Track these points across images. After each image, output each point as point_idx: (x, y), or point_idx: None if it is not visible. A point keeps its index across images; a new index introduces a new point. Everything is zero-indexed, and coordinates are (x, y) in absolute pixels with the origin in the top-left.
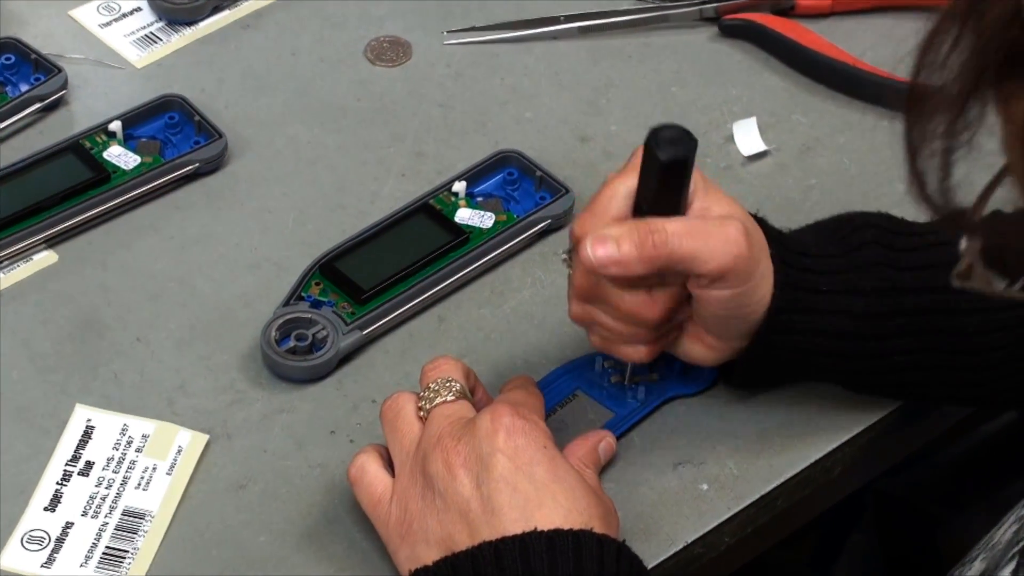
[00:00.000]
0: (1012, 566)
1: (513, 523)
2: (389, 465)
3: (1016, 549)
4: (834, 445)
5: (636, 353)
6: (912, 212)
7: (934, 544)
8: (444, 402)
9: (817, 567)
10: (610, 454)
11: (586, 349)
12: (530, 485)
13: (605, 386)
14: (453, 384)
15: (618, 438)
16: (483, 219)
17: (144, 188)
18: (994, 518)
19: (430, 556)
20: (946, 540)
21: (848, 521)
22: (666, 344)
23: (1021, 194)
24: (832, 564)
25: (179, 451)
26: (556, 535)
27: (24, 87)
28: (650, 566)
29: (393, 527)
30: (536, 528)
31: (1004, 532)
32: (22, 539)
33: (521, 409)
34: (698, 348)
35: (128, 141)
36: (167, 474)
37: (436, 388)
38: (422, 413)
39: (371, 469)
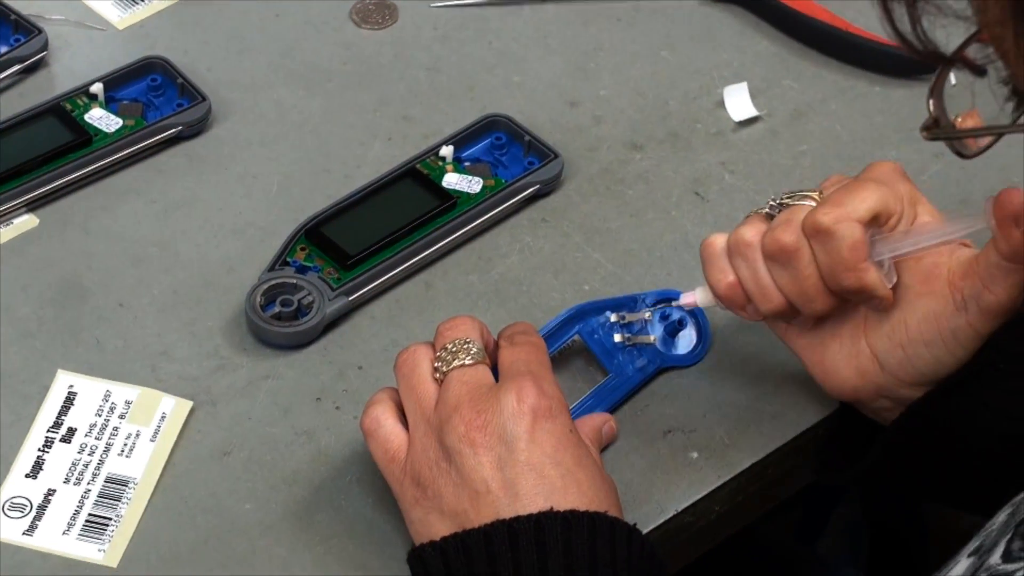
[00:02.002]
0: (1008, 536)
1: (535, 508)
2: (403, 413)
3: (1016, 524)
4: (825, 414)
5: (817, 304)
6: (910, 174)
7: (919, 518)
8: (462, 366)
9: (802, 541)
10: (611, 438)
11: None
12: (556, 472)
13: (607, 343)
14: (471, 346)
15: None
16: (471, 184)
17: (126, 151)
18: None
19: (441, 528)
20: (931, 513)
21: (833, 495)
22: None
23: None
24: (817, 538)
25: (163, 417)
26: (572, 516)
27: (4, 48)
28: None
29: (408, 487)
30: (552, 508)
31: (998, 516)
32: (3, 506)
33: (545, 386)
34: (846, 365)
35: (110, 104)
36: (151, 441)
37: (454, 350)
38: (438, 375)
39: (387, 423)
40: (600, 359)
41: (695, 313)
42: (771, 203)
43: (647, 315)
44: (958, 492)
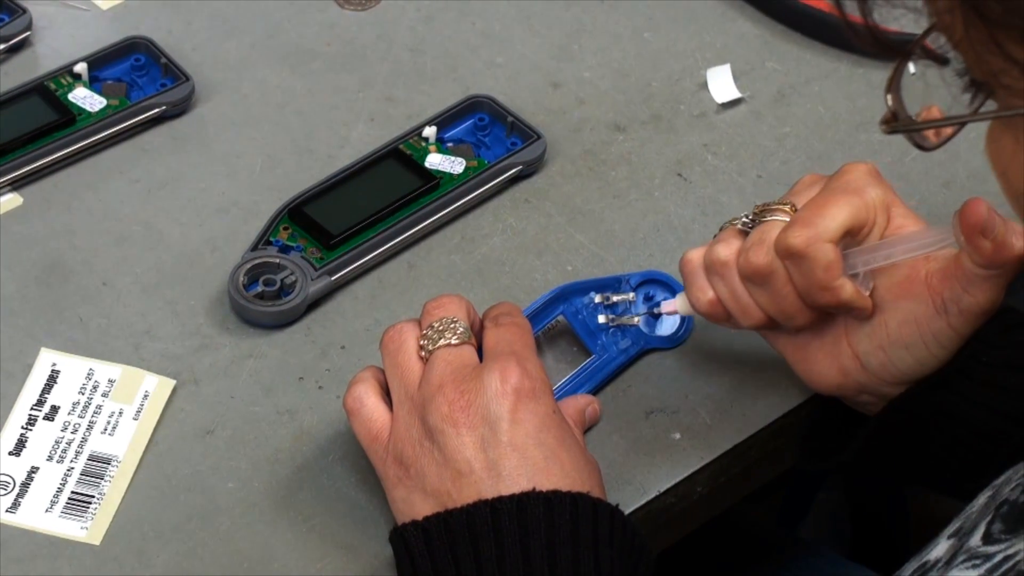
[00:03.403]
0: (997, 525)
1: (518, 488)
2: (386, 392)
3: (995, 507)
4: (807, 396)
5: (797, 320)
6: (888, 161)
7: (902, 501)
8: (448, 345)
9: (785, 525)
10: (595, 419)
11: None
12: (539, 452)
13: (591, 324)
14: (457, 326)
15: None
16: (453, 165)
17: (110, 131)
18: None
19: (423, 508)
20: (913, 497)
21: (816, 479)
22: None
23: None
24: (800, 522)
25: (146, 396)
26: (554, 496)
27: None
28: None
29: (390, 467)
30: (535, 488)
31: (977, 499)
32: None
33: (529, 366)
34: (828, 365)
35: (94, 83)
36: (133, 419)
37: (440, 328)
38: (423, 353)
39: (369, 402)
40: (583, 340)
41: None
42: (744, 218)
43: (631, 296)
44: (938, 478)
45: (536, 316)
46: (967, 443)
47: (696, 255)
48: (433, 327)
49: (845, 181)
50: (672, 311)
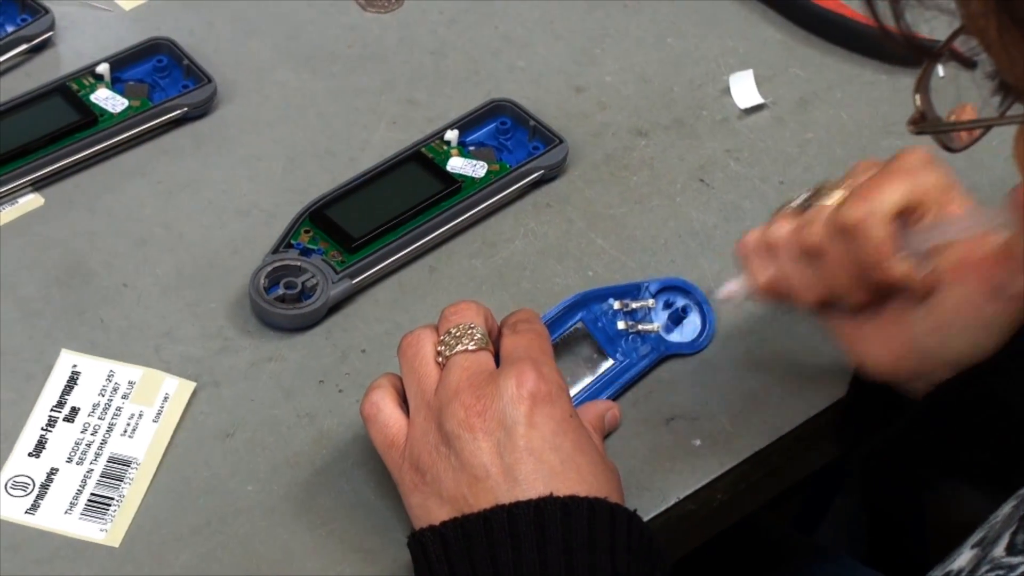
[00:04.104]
0: (1012, 528)
1: (535, 493)
2: (403, 398)
3: (1018, 514)
4: (828, 402)
5: (852, 298)
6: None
7: (919, 507)
8: (465, 351)
9: (802, 530)
10: (614, 425)
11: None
12: (556, 457)
13: (611, 330)
14: (475, 332)
15: (616, 393)
16: (475, 168)
17: (132, 132)
18: (979, 482)
19: (440, 513)
20: (931, 503)
21: (833, 484)
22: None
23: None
24: (817, 527)
25: (166, 398)
26: (571, 502)
27: (10, 28)
28: None
29: (407, 473)
30: (552, 493)
31: (1003, 508)
32: (6, 485)
33: (545, 371)
34: (882, 349)
35: (116, 84)
36: (153, 421)
37: (457, 335)
38: (440, 359)
39: (386, 408)
40: (603, 346)
41: (699, 301)
42: (800, 197)
43: (650, 303)
44: (978, 468)
45: (555, 323)
46: (1013, 432)
47: (753, 236)
48: (451, 333)
49: (901, 163)
50: (730, 294)
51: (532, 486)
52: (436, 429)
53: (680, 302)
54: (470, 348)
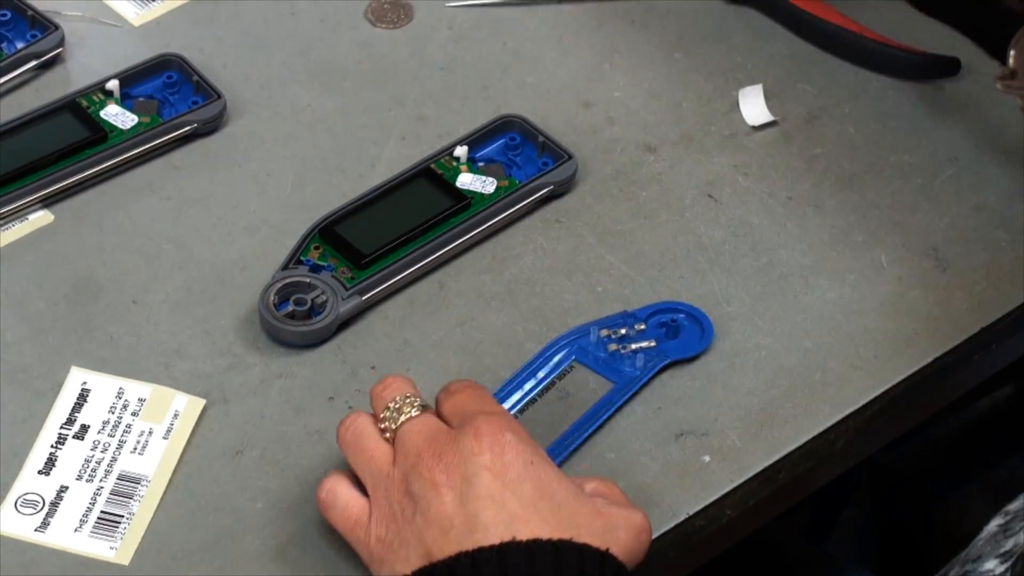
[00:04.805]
0: (995, 562)
1: (497, 538)
2: (358, 484)
3: (1004, 550)
4: (837, 418)
5: None
6: (918, 183)
7: (928, 518)
8: (410, 418)
9: (812, 541)
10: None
11: (585, 319)
12: (517, 501)
13: (602, 355)
14: (412, 399)
15: (620, 408)
16: (485, 184)
17: (141, 148)
18: (988, 494)
19: (409, 567)
20: (940, 514)
21: (842, 496)
22: None
23: None
24: (826, 538)
25: (175, 415)
26: (535, 545)
27: (20, 44)
28: None
29: (374, 547)
30: (515, 538)
31: (989, 526)
32: (16, 502)
33: (498, 420)
34: None
35: (125, 100)
36: (163, 439)
37: (396, 407)
38: (387, 435)
39: (342, 492)
40: (601, 372)
41: (693, 312)
42: None
43: (641, 326)
44: (987, 479)
45: (544, 360)
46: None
47: None
48: (389, 408)
49: None
50: None
51: (494, 531)
52: (402, 495)
53: (669, 317)
54: (414, 415)
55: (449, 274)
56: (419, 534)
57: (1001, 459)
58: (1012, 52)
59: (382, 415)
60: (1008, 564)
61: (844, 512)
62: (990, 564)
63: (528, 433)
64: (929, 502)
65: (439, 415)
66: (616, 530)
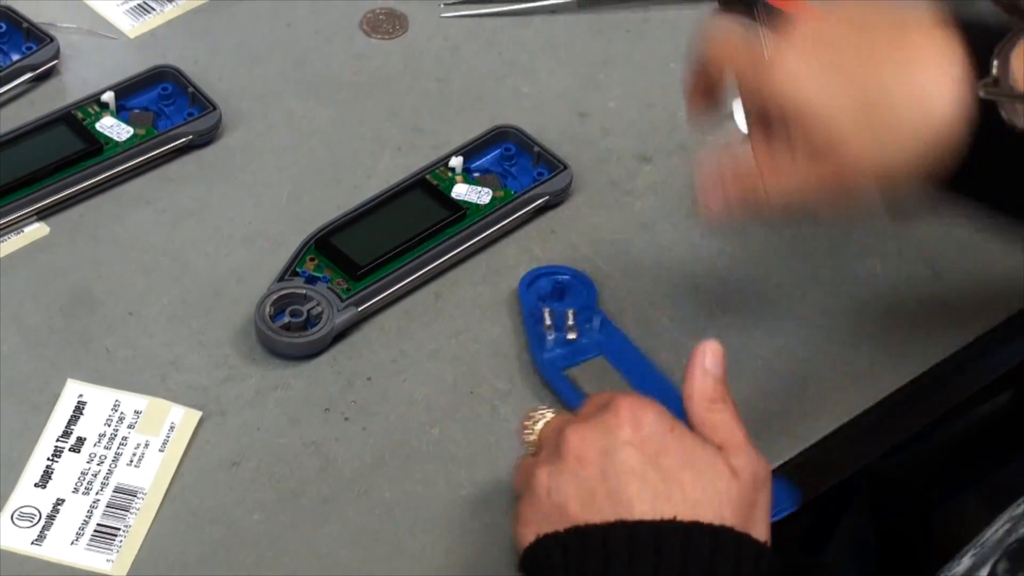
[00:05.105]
0: (1003, 564)
1: (643, 514)
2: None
3: (1007, 544)
4: (833, 427)
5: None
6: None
7: (927, 527)
8: (547, 420)
9: (809, 551)
10: (720, 361)
11: None
12: (658, 475)
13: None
14: (546, 409)
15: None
16: (480, 195)
17: (137, 160)
18: (987, 501)
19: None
20: (939, 522)
21: (840, 504)
22: None
23: None
24: (823, 547)
25: (172, 428)
26: (694, 528)
27: (15, 56)
28: None
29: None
30: (675, 518)
31: (995, 531)
32: (12, 516)
33: (632, 397)
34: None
35: (121, 112)
36: (159, 451)
37: (534, 418)
38: (532, 451)
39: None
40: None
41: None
42: None
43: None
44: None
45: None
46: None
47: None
48: (529, 427)
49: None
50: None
51: (638, 507)
52: (546, 477)
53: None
54: (549, 416)
55: (445, 285)
56: (561, 508)
57: (999, 466)
58: (995, 61)
59: (526, 438)
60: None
61: (842, 521)
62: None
63: (665, 409)
64: (927, 509)
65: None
66: (755, 506)
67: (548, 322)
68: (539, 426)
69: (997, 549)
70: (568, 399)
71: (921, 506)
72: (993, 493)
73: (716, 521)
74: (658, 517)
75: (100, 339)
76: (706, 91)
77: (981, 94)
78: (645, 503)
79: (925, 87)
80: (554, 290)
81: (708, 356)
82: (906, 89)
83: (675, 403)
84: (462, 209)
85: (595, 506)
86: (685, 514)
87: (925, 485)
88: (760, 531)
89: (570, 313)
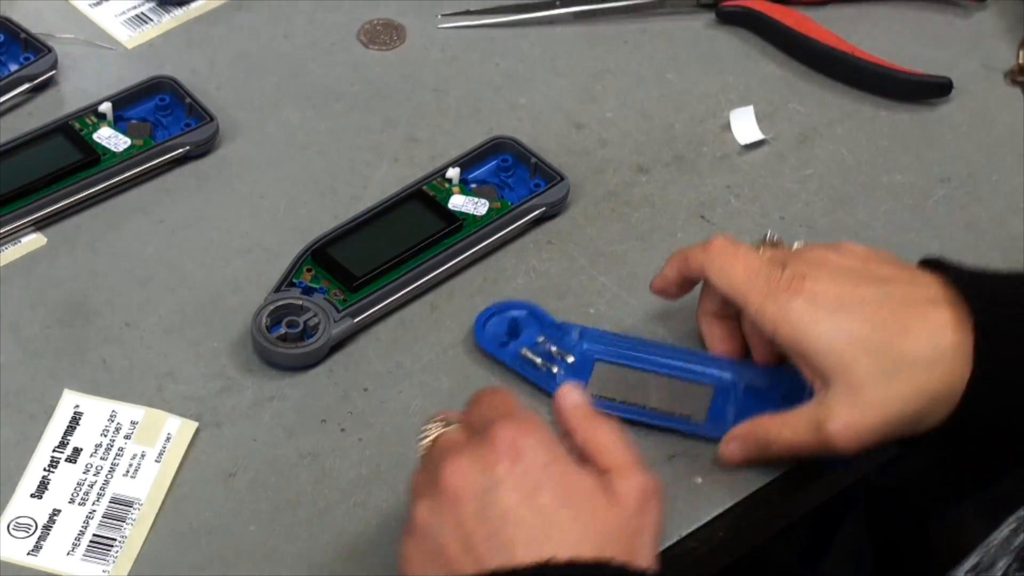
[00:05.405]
0: (1007, 559)
1: (522, 557)
2: None
3: (1015, 545)
4: None
5: None
6: (910, 204)
7: (925, 538)
8: (434, 436)
9: (807, 562)
10: (578, 400)
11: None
12: (536, 515)
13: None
14: (444, 421)
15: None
16: (477, 206)
17: (134, 171)
18: (985, 512)
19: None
20: (937, 534)
21: (838, 515)
22: None
23: None
24: (822, 558)
25: (168, 438)
26: (574, 566)
27: (13, 67)
28: None
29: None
30: (552, 559)
31: (1001, 531)
32: (8, 526)
33: (517, 426)
34: None
35: (118, 123)
36: (156, 461)
37: (431, 428)
38: (422, 464)
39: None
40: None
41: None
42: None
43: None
44: (983, 496)
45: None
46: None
47: None
48: (424, 434)
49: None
50: None
51: (519, 550)
52: (427, 512)
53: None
54: (437, 431)
55: (441, 296)
56: (441, 550)
57: (996, 477)
58: (1021, 52)
59: (420, 442)
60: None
61: (840, 532)
62: (1001, 563)
63: (549, 431)
64: (924, 520)
65: (466, 427)
66: (641, 531)
67: (539, 361)
68: (426, 442)
69: (1005, 550)
70: (612, 410)
71: (918, 517)
72: (990, 504)
73: (597, 554)
74: (537, 559)
75: (97, 349)
76: (682, 285)
77: (1007, 80)
78: (523, 545)
79: (933, 337)
80: (511, 328)
81: (569, 390)
82: (915, 337)
83: (682, 357)
84: (459, 220)
85: (474, 549)
86: (565, 552)
87: (922, 496)
88: (645, 556)
89: (551, 346)
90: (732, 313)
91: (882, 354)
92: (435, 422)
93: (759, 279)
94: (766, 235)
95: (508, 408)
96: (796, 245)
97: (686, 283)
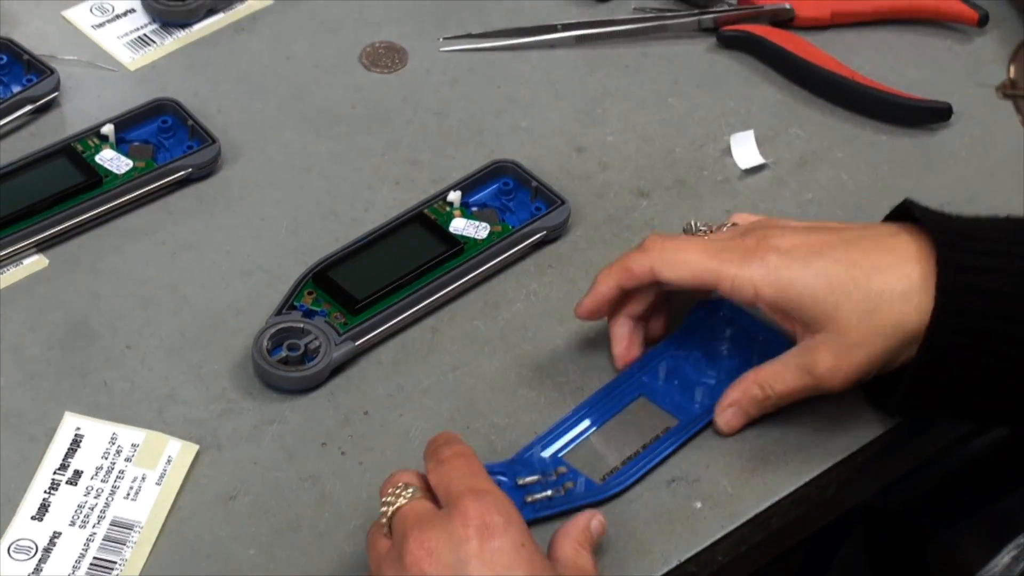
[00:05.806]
0: None
1: None
2: None
3: (1015, 574)
4: (829, 464)
5: None
6: None
7: (923, 560)
8: (399, 507)
9: None
10: (602, 533)
11: (578, 365)
12: None
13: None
14: (407, 489)
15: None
16: (478, 229)
17: (136, 193)
18: (984, 535)
19: None
20: (935, 555)
21: (837, 536)
22: None
23: None
24: None
25: (169, 461)
26: None
27: (16, 88)
28: None
29: None
30: None
31: (1001, 558)
32: (9, 548)
33: (487, 499)
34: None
35: (120, 145)
36: (156, 484)
37: (392, 497)
38: (385, 530)
39: None
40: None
41: None
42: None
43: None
44: (981, 518)
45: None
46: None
47: None
48: (387, 501)
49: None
50: None
51: None
52: (396, 571)
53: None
54: (402, 501)
55: (442, 319)
56: None
57: (995, 499)
58: (1012, 66)
59: (382, 508)
60: None
61: (839, 553)
62: None
63: (514, 507)
64: (923, 542)
65: (428, 488)
66: None
67: (550, 492)
68: (391, 511)
69: (1006, 573)
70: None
71: (917, 539)
72: (989, 526)
73: None
74: None
75: (98, 372)
76: (614, 302)
77: (999, 94)
78: None
79: (903, 268)
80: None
81: (595, 520)
82: (887, 271)
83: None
84: (460, 244)
85: None
86: None
87: (921, 518)
88: None
89: (530, 477)
90: (648, 314)
91: (861, 294)
92: (396, 488)
93: (725, 252)
94: (691, 223)
95: (474, 477)
96: (726, 228)
97: (621, 297)
